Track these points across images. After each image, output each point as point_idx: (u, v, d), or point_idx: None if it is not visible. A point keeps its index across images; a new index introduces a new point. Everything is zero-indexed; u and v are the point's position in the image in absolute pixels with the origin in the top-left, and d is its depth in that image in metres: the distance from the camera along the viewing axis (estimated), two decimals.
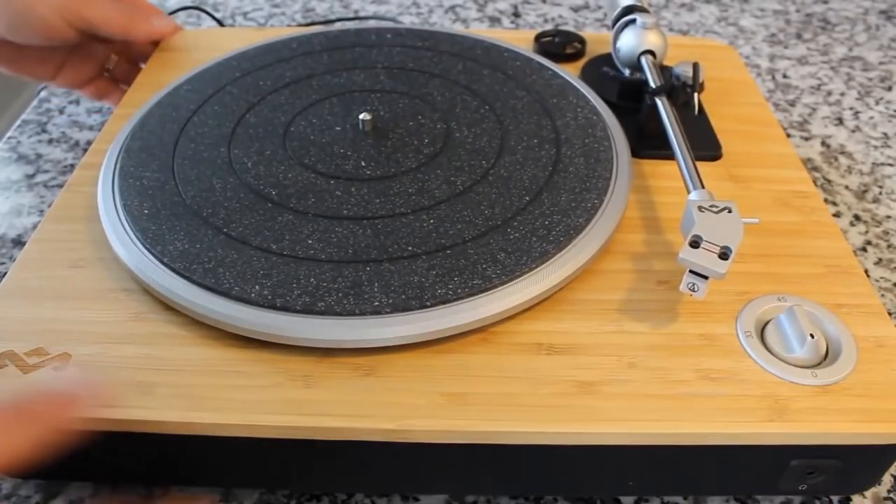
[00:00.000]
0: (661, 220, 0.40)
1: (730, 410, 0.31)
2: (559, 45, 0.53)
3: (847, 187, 0.52)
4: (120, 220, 0.37)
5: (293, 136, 0.43)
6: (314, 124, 0.44)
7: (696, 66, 0.44)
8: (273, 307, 0.33)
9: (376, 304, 0.33)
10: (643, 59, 0.46)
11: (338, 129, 0.43)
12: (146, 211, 0.37)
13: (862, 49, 0.69)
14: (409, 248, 0.35)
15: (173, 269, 0.34)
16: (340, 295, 0.33)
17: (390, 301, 0.33)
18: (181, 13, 0.71)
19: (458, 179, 0.39)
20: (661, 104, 0.43)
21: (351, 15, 0.72)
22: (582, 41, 0.54)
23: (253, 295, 0.33)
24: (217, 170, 0.40)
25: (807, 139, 0.57)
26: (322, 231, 0.36)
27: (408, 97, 0.46)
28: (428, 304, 0.33)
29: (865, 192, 0.52)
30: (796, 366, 0.32)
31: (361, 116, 0.43)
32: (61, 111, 0.58)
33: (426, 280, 0.34)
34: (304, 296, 0.33)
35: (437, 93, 0.46)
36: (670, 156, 0.40)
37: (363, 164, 0.41)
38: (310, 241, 0.36)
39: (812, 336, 0.32)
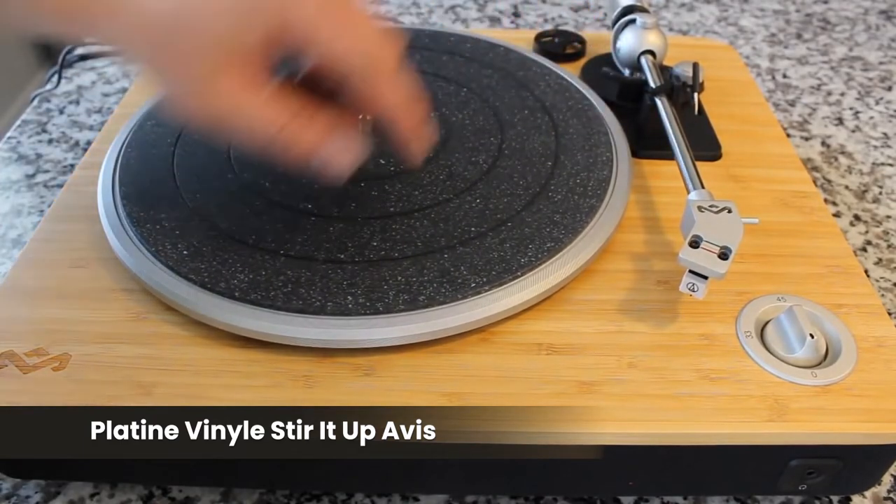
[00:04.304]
0: (661, 220, 0.40)
1: (730, 410, 0.31)
2: (559, 45, 0.53)
3: (847, 187, 0.52)
4: (120, 220, 0.37)
5: None
6: None
7: (695, 66, 0.44)
8: (273, 307, 0.33)
9: (379, 305, 0.33)
10: (643, 59, 0.46)
11: None
12: (149, 213, 0.37)
13: (862, 49, 0.69)
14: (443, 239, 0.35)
15: (173, 269, 0.34)
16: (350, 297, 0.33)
17: (390, 300, 0.33)
18: None
19: (458, 183, 0.39)
20: (661, 104, 0.43)
21: None
22: (582, 41, 0.54)
23: (254, 296, 0.33)
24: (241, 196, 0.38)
25: (807, 139, 0.57)
26: (380, 231, 0.36)
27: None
28: (428, 304, 0.33)
29: (865, 192, 0.52)
30: (796, 366, 0.32)
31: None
32: (61, 111, 0.58)
33: (426, 279, 0.34)
34: (320, 296, 0.33)
35: (440, 93, 0.46)
36: (670, 156, 0.40)
37: (382, 161, 0.40)
38: (374, 244, 0.35)
39: (812, 336, 0.32)
